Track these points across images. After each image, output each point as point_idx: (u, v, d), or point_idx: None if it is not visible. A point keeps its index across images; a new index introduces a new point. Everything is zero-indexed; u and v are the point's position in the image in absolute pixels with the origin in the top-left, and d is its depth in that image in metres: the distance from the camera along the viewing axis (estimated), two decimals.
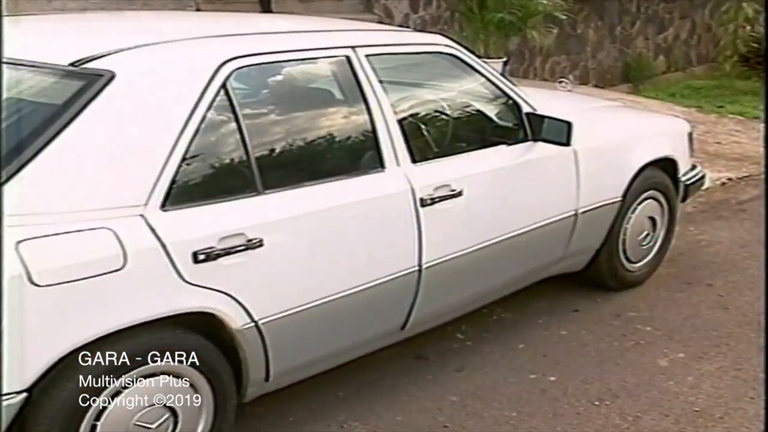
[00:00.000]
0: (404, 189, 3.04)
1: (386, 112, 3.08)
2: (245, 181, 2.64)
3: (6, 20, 2.01)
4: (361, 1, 9.80)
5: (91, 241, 2.27)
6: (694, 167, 4.67)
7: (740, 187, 6.22)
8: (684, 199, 4.57)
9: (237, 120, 2.64)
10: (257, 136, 2.72)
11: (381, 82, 3.11)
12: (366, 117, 3.04)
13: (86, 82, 2.43)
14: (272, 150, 2.80)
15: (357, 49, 3.10)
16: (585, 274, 4.16)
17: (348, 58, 3.07)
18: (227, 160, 2.65)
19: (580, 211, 3.81)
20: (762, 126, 7.88)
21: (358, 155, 3.06)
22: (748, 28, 10.25)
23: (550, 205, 3.69)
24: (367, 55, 3.11)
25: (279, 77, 2.98)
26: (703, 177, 4.73)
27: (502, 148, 3.51)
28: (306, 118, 3.01)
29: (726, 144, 7.30)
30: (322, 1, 9.94)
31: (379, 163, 3.02)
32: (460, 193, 3.19)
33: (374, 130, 3.04)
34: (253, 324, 2.59)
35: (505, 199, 3.47)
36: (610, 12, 10.58)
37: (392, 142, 3.06)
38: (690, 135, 4.65)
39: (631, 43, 11.04)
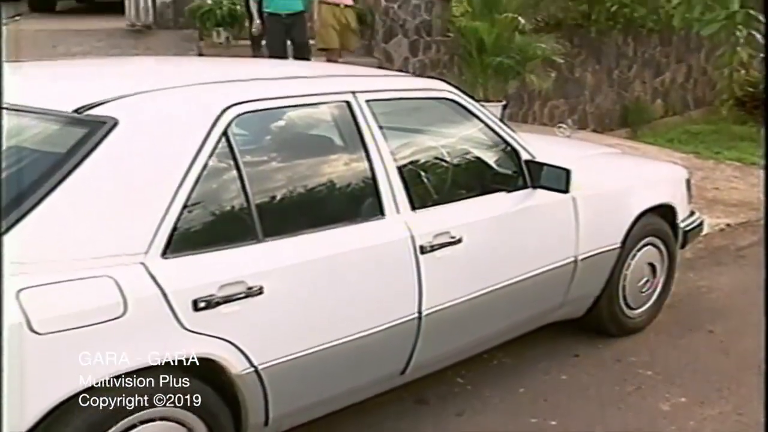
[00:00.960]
0: (404, 236, 3.04)
1: (386, 158, 3.09)
2: (246, 229, 2.65)
3: (9, 66, 2.03)
4: (361, 46, 9.93)
5: (91, 289, 2.27)
6: (692, 213, 4.68)
7: (739, 233, 6.23)
8: (683, 246, 4.58)
9: (238, 167, 2.66)
10: (258, 183, 2.73)
11: (381, 127, 3.13)
12: (366, 164, 3.05)
13: (89, 129, 2.45)
14: (273, 197, 2.80)
15: (357, 94, 3.12)
16: (585, 320, 4.15)
17: (348, 103, 3.08)
18: (228, 208, 2.66)
19: (580, 257, 3.81)
20: (760, 172, 7.93)
21: (358, 202, 3.07)
22: (743, 72, 10.30)
23: (550, 252, 3.69)
24: (367, 101, 3.13)
25: (280, 123, 3.00)
26: (701, 223, 4.75)
27: (501, 195, 3.52)
28: (306, 164, 3.02)
29: (724, 190, 7.33)
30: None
31: (378, 211, 3.03)
32: (459, 240, 3.19)
33: (374, 177, 3.05)
34: (252, 369, 2.58)
35: (504, 246, 3.48)
36: (607, 55, 10.70)
37: (392, 190, 3.07)
38: (688, 181, 4.67)
39: (628, 87, 11.14)
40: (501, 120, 3.83)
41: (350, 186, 3.07)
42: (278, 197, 2.82)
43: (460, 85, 9.70)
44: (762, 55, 10.38)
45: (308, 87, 3.15)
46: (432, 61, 9.42)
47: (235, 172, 2.65)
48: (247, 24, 8.91)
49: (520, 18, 8.49)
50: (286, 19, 7.91)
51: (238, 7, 9.08)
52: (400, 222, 3.06)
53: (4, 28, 2.06)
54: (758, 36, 9.57)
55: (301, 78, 3.34)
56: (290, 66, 4.53)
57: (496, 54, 8.48)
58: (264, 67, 4.11)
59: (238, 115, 2.71)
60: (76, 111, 2.52)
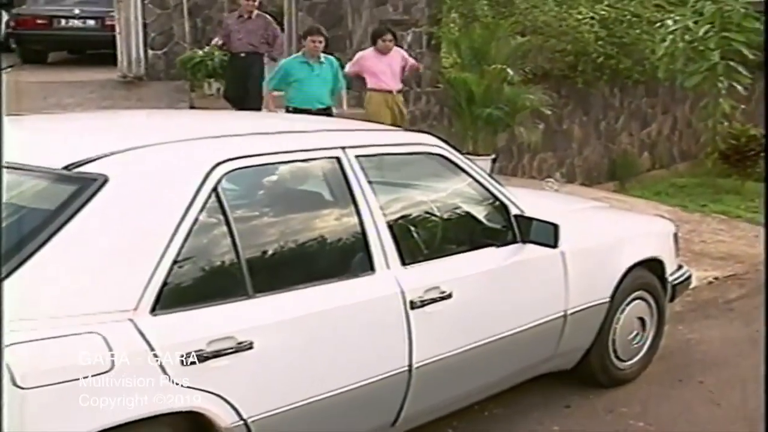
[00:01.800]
0: (394, 292, 3.05)
1: (376, 214, 3.11)
2: (235, 285, 2.65)
3: (6, 120, 2.04)
4: (351, 96, 10.01)
5: (78, 345, 2.27)
6: (680, 267, 4.71)
7: (727, 286, 6.26)
8: (672, 299, 4.60)
9: (228, 223, 2.66)
10: (248, 239, 2.74)
11: (370, 182, 3.15)
12: (356, 219, 3.06)
13: (79, 186, 2.46)
14: (263, 253, 2.81)
15: (347, 149, 3.14)
16: (576, 371, 4.14)
17: (338, 159, 3.10)
18: (218, 264, 2.66)
19: (569, 312, 3.82)
20: (745, 225, 8.00)
21: (348, 258, 3.08)
22: (726, 123, 10.36)
23: (540, 307, 3.70)
24: (357, 156, 3.15)
25: (270, 179, 3.02)
26: (689, 277, 4.77)
27: (491, 250, 3.54)
28: (297, 220, 3.03)
29: (711, 243, 7.38)
30: None
31: (369, 266, 3.04)
32: (449, 296, 3.20)
33: (364, 233, 3.06)
34: (242, 422, 2.58)
35: (494, 301, 3.49)
36: (594, 106, 10.84)
37: (382, 245, 3.08)
38: (675, 235, 4.70)
39: (615, 139, 11.25)
40: (490, 174, 3.86)
41: (340, 241, 3.08)
42: (268, 253, 2.83)
43: (450, 137, 9.86)
44: (743, 107, 10.55)
45: (299, 142, 3.16)
46: (422, 113, 9.52)
47: (225, 228, 2.66)
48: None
49: (508, 69, 8.61)
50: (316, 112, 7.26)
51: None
52: (390, 277, 3.07)
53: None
54: (739, 87, 9.74)
55: (292, 133, 3.36)
56: (281, 120, 4.55)
57: (486, 105, 8.58)
58: (254, 122, 4.12)
59: (229, 172, 2.72)
60: (65, 168, 2.53)
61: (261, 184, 2.99)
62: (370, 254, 3.05)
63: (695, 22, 9.79)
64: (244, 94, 8.42)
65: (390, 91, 7.95)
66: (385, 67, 7.95)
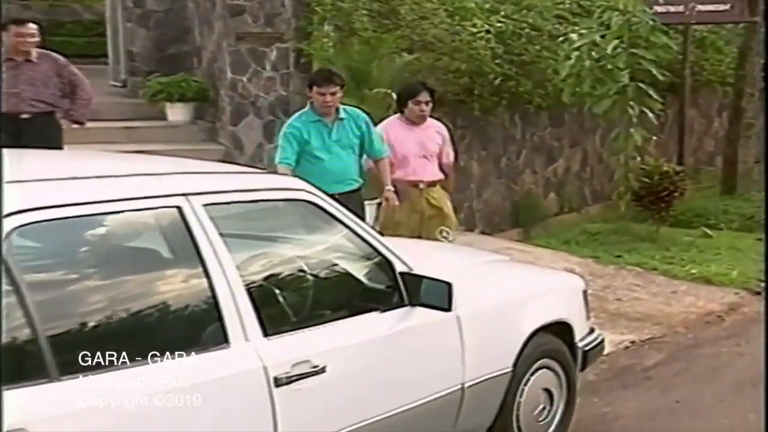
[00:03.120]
0: (254, 368, 3.06)
1: (230, 274, 3.10)
2: (36, 364, 2.58)
3: None
4: (202, 129, 9.89)
5: None
6: (592, 330, 4.90)
7: (644, 351, 6.55)
8: (583, 368, 4.77)
9: (18, 290, 2.58)
10: (48, 310, 2.67)
11: (223, 236, 3.13)
12: (204, 281, 3.04)
13: None
14: (71, 327, 2.75)
15: (191, 197, 3.11)
16: None
17: (180, 208, 3.07)
18: (7, 341, 2.51)
19: (467, 384, 3.91)
20: (660, 279, 8.41)
21: (194, 329, 3.06)
22: (638, 158, 10.62)
23: (432, 380, 3.78)
24: (205, 204, 3.13)
25: (85, 234, 2.95)
26: (602, 341, 4.96)
27: (373, 316, 3.59)
28: (119, 284, 2.97)
29: (626, 301, 7.72)
30: (147, 129, 9.82)
31: (222, 338, 3.03)
32: (323, 370, 3.24)
33: (215, 298, 3.04)
34: None
35: (377, 375, 3.54)
36: (494, 139, 11.03)
37: (238, 312, 3.08)
38: (585, 293, 4.90)
39: (518, 178, 11.52)
40: (373, 225, 3.92)
41: (184, 309, 3.06)
42: (78, 326, 2.77)
43: None
44: (655, 138, 11.05)
45: (126, 189, 3.08)
46: None
47: (14, 298, 2.57)
48: None
49: (392, 93, 8.56)
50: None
51: None
52: (249, 351, 3.08)
53: None
54: (651, 114, 10.20)
55: (118, 177, 3.23)
56: (105, 160, 4.27)
57: None
58: (69, 162, 3.86)
59: (24, 225, 2.64)
60: None
61: (71, 241, 2.90)
62: (223, 324, 3.03)
63: (602, 36, 10.19)
64: None
65: (418, 184, 6.64)
66: (414, 146, 6.61)
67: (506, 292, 4.44)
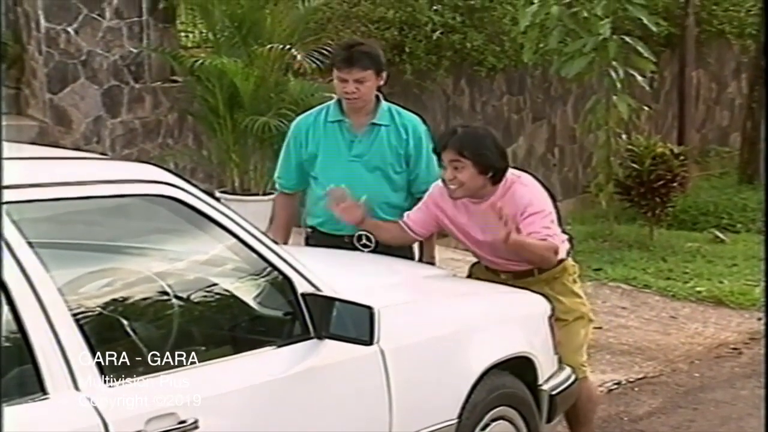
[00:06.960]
0: (87, 426, 3.02)
1: (48, 300, 3.04)
2: None
3: None
4: (7, 96, 9.51)
5: None
6: (562, 367, 4.89)
7: (633, 395, 6.59)
8: (550, 419, 4.74)
9: None
10: None
11: (33, 247, 3.06)
12: (6, 310, 2.95)
13: None
14: None
15: None
16: None
17: None
18: None
19: None
20: (654, 300, 8.52)
21: None
22: (624, 136, 10.56)
23: None
24: (6, 203, 3.00)
25: None
26: (574, 382, 4.94)
27: (264, 352, 3.59)
28: None
29: (609, 329, 7.73)
30: None
31: (37, 387, 2.98)
32: (193, 426, 3.21)
33: (23, 333, 2.98)
34: None
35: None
36: (432, 110, 11.08)
37: (63, 351, 3.03)
38: (551, 319, 4.85)
39: None
40: (264, 232, 3.86)
41: None
42: None
43: (198, 165, 9.70)
44: (647, 108, 11.10)
45: None
46: (146, 125, 9.44)
47: None
48: None
49: (294, 51, 8.64)
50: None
51: None
52: (80, 402, 3.03)
53: None
54: (640, 78, 10.19)
55: None
56: None
57: (258, 111, 8.64)
58: None
59: None
60: None
61: None
62: (38, 367, 2.99)
63: None
64: None
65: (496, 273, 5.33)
66: (473, 226, 5.15)
67: (448, 318, 4.43)
